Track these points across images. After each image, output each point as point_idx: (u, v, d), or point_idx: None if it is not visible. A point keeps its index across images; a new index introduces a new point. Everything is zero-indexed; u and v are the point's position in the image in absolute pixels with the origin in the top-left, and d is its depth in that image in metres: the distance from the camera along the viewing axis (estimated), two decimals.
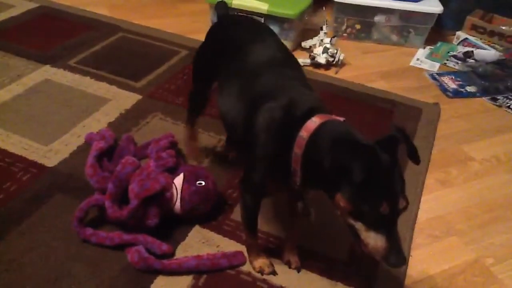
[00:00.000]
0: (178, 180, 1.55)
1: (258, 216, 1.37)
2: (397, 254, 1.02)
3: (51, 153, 1.84)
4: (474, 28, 3.00)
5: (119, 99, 2.20)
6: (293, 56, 1.46)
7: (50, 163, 1.79)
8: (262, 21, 1.76)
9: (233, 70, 1.38)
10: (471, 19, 3.01)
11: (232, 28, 1.55)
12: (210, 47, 1.57)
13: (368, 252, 1.06)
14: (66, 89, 2.25)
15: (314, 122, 1.12)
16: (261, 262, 1.44)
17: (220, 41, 1.52)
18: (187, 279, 1.41)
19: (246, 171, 1.31)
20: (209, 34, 1.60)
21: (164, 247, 1.44)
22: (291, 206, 1.42)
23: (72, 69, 2.39)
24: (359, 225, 1.04)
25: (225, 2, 1.73)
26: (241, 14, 1.74)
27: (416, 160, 1.09)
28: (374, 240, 1.03)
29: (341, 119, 1.16)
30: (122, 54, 2.60)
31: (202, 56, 1.61)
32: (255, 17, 2.64)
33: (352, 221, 1.05)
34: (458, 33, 3.02)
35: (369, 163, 0.98)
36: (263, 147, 1.20)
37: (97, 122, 2.03)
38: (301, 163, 1.13)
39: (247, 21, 1.66)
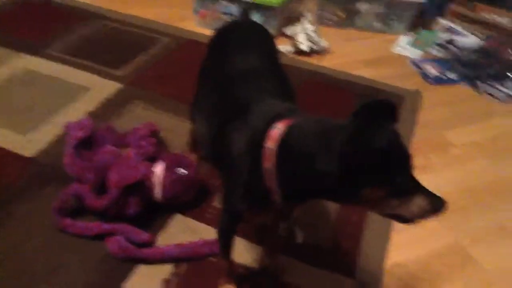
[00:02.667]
0: (159, 169, 1.54)
1: (233, 239, 1.28)
2: (437, 199, 0.97)
3: (30, 143, 1.82)
4: (457, 16, 3.01)
5: (100, 88, 2.17)
6: (277, 63, 1.37)
7: (29, 153, 1.77)
8: (247, 11, 1.72)
9: (209, 80, 1.33)
10: (453, 7, 3.02)
11: (227, 34, 1.47)
12: (207, 51, 1.48)
13: (418, 219, 0.98)
14: (45, 78, 2.21)
15: (278, 129, 0.98)
16: None
17: (212, 47, 1.46)
18: (169, 267, 1.41)
19: (224, 193, 1.19)
20: (211, 38, 1.50)
21: (144, 236, 1.44)
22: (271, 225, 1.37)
23: (52, 58, 2.35)
24: (395, 203, 0.93)
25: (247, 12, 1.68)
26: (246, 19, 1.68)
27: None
28: (416, 206, 0.95)
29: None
30: (103, 42, 2.56)
31: (204, 60, 1.50)
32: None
33: (387, 207, 0.95)
34: (441, 20, 3.03)
35: (381, 139, 0.87)
36: (235, 175, 1.08)
37: (77, 111, 2.01)
38: (277, 177, 0.97)
39: (244, 25, 1.54)
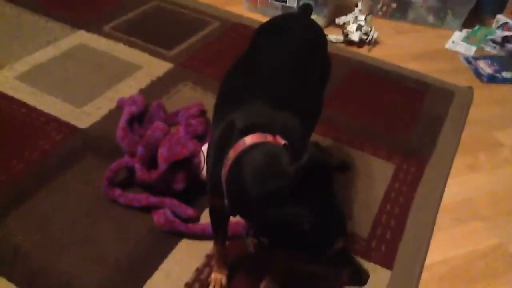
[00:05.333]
0: (206, 147, 1.57)
1: (222, 223, 1.28)
2: (360, 275, 1.00)
3: (84, 115, 1.89)
4: None
5: (151, 67, 2.23)
6: (314, 67, 1.32)
7: (83, 125, 1.84)
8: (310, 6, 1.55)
9: (237, 63, 1.29)
10: None
11: (272, 25, 1.43)
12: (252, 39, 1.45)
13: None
14: (99, 54, 2.29)
15: (244, 142, 0.97)
16: (215, 276, 1.35)
17: (256, 35, 1.42)
18: (210, 244, 1.44)
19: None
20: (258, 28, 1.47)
21: (190, 211, 1.48)
22: None
23: (106, 35, 2.43)
24: (315, 267, 1.00)
25: (310, 7, 1.58)
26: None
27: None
28: (335, 276, 1.00)
29: (282, 141, 0.97)
30: (156, 22, 2.62)
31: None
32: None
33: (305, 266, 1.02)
34: (498, 16, 2.92)
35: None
36: (208, 165, 1.10)
37: (129, 87, 2.07)
38: (225, 185, 0.99)
39: (297, 20, 1.48)
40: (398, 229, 1.57)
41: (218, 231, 1.29)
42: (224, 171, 0.98)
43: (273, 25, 1.43)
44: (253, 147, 0.96)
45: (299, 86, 1.22)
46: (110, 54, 2.29)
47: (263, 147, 0.96)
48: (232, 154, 0.97)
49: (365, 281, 0.99)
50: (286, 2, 2.70)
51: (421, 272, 1.46)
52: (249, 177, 0.92)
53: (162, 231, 1.45)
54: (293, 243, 0.89)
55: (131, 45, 2.36)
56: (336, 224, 0.92)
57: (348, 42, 2.59)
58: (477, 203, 1.72)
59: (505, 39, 2.72)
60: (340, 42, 2.59)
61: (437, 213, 1.65)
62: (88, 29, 2.45)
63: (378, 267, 1.44)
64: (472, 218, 1.66)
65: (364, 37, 2.56)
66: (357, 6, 2.65)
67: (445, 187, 1.76)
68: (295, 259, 0.97)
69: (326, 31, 2.62)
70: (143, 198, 1.50)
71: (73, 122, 1.85)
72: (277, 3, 2.73)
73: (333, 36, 2.60)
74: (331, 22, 2.78)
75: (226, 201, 1.00)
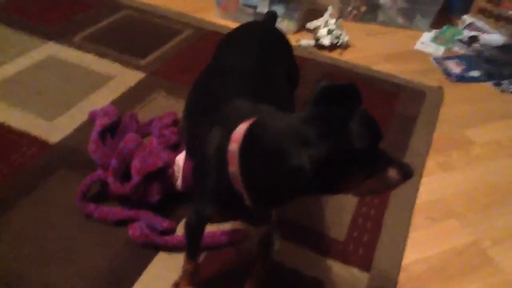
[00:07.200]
0: (180, 157, 1.56)
1: (200, 241, 1.26)
2: (406, 166, 0.91)
3: (55, 129, 1.85)
4: (481, 11, 2.97)
5: (123, 77, 2.20)
6: (281, 70, 1.33)
7: (54, 139, 1.80)
8: (274, 13, 1.65)
9: (205, 71, 1.32)
10: (478, 3, 2.97)
11: (235, 34, 1.48)
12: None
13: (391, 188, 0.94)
14: (70, 65, 2.25)
15: (239, 130, 0.92)
16: None
17: (223, 41, 1.48)
18: None
19: (194, 193, 1.17)
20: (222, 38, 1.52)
21: (165, 223, 1.46)
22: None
23: (76, 46, 2.39)
24: (371, 183, 0.89)
25: (275, 14, 1.64)
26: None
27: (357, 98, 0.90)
28: (390, 179, 0.90)
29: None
30: (126, 31, 2.59)
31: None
32: None
33: (362, 188, 0.90)
34: (464, 17, 2.99)
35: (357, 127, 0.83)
36: (203, 179, 1.03)
37: (101, 98, 2.04)
38: (242, 180, 0.91)
39: (258, 26, 1.56)
40: (375, 231, 1.58)
41: (194, 247, 1.27)
42: (232, 168, 0.91)
43: (236, 34, 1.47)
44: (254, 124, 0.92)
45: (267, 89, 1.20)
46: (80, 66, 2.25)
47: (263, 118, 0.93)
48: (234, 145, 0.91)
49: (412, 171, 0.91)
50: (256, 8, 2.71)
51: (398, 272, 1.47)
52: (277, 140, 0.85)
53: (138, 244, 1.43)
54: (352, 167, 0.84)
55: (102, 55, 2.33)
56: (371, 126, 0.87)
57: (320, 46, 2.61)
58: (451, 201, 1.75)
59: (472, 39, 2.79)
60: (311, 47, 2.61)
61: (412, 213, 1.67)
62: (57, 40, 2.41)
63: (356, 270, 1.45)
64: (446, 217, 1.69)
65: (335, 40, 2.58)
66: (327, 10, 2.67)
67: (419, 187, 1.78)
68: (354, 186, 0.89)
69: (297, 36, 2.67)
70: (118, 211, 1.48)
71: (45, 136, 1.81)
72: (249, 9, 2.74)
73: (305, 40, 2.61)
74: (302, 27, 2.80)
75: (247, 202, 0.94)
